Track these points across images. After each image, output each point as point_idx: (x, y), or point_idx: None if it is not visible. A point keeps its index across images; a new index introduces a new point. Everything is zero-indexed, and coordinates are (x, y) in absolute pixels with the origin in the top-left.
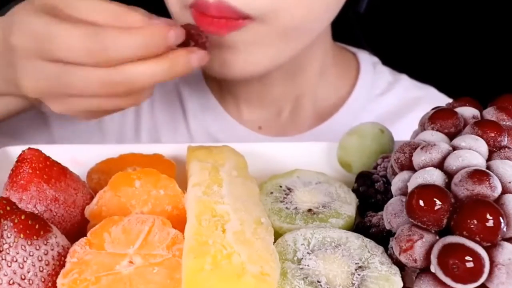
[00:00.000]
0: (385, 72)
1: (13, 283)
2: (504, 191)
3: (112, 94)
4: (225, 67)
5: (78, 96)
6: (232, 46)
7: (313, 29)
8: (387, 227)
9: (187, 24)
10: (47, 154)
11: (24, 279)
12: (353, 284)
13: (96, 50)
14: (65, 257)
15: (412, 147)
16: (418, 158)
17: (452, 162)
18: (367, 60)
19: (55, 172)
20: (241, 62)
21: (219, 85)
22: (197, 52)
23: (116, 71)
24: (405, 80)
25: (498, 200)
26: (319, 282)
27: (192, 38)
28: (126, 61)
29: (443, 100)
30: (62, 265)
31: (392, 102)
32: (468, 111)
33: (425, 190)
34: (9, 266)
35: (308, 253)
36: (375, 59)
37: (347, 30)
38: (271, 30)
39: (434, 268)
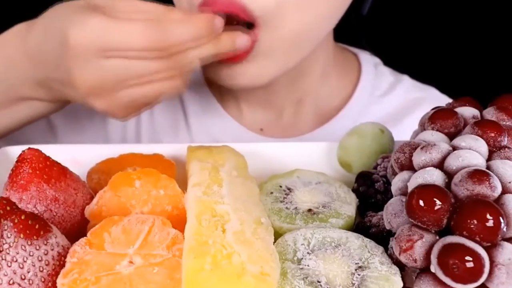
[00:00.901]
0: (387, 73)
1: (13, 283)
2: (504, 191)
3: (167, 78)
4: (233, 78)
5: (128, 88)
6: (240, 58)
7: (318, 34)
8: (387, 227)
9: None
10: (47, 154)
11: (24, 279)
12: (353, 284)
13: (159, 39)
14: (65, 257)
15: (412, 147)
16: (418, 158)
17: (452, 162)
18: (368, 61)
19: (55, 172)
20: (249, 74)
21: (220, 87)
22: (241, 35)
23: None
24: (406, 81)
25: (498, 200)
26: (319, 282)
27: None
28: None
29: (444, 100)
30: (62, 265)
31: (394, 103)
32: (468, 111)
33: (425, 190)
34: (9, 266)
35: (308, 253)
36: (377, 60)
37: (348, 30)
38: (277, 37)
39: (434, 268)
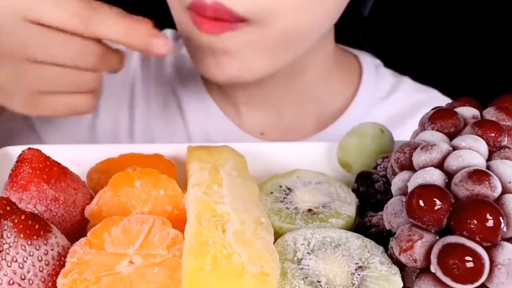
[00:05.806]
0: (388, 75)
1: (13, 283)
2: (504, 191)
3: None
4: (219, 71)
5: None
6: (227, 49)
7: (312, 35)
8: (387, 227)
9: None
10: (47, 154)
11: (24, 279)
12: (353, 284)
13: (84, 21)
14: (65, 257)
15: (412, 147)
16: (418, 158)
17: (452, 162)
18: (369, 62)
19: (55, 172)
20: (236, 66)
21: (219, 90)
22: (161, 37)
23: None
24: (407, 83)
25: (498, 200)
26: (319, 282)
27: None
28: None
29: (446, 102)
30: (62, 265)
31: (396, 106)
32: (468, 111)
33: (425, 190)
34: (9, 266)
35: (308, 253)
36: (377, 62)
37: (348, 31)
38: (268, 35)
39: (434, 268)
